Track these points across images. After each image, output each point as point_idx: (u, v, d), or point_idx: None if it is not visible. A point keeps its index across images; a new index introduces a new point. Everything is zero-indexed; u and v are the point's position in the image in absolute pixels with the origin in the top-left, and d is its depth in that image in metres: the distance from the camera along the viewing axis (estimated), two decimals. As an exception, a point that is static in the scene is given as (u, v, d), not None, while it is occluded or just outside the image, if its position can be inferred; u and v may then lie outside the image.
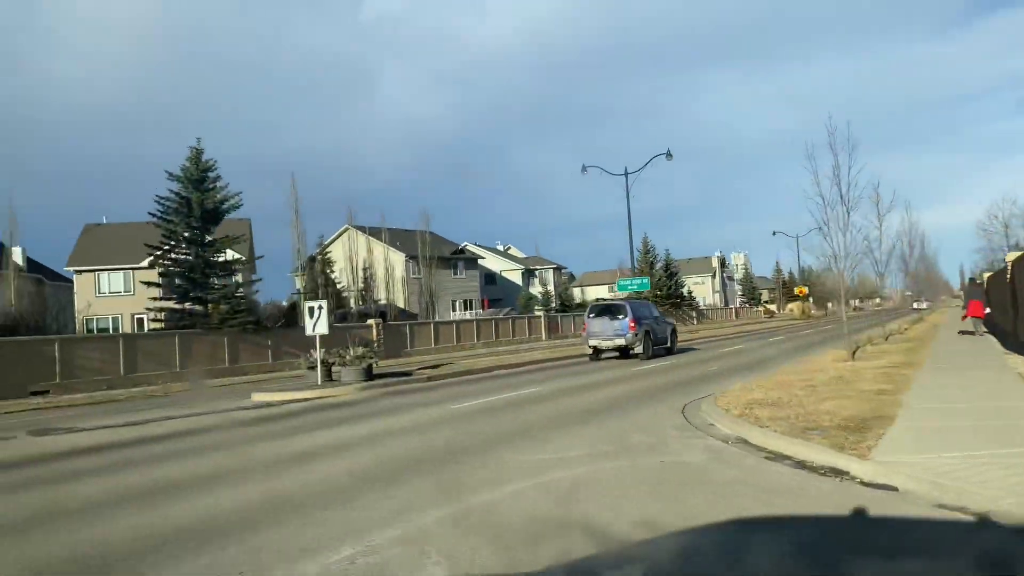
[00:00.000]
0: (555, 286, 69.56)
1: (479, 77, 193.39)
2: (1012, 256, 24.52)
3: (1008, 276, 23.69)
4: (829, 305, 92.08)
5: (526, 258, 77.20)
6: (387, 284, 48.85)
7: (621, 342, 23.39)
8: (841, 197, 17.24)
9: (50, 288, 48.68)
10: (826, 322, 63.94)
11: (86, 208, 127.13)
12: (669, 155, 34.55)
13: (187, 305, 30.90)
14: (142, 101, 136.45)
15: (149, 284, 32.08)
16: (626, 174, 34.70)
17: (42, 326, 34.63)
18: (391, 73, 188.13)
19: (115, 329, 42.78)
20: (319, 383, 18.07)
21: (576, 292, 75.88)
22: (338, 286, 47.66)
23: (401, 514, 6.01)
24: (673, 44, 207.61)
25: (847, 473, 6.71)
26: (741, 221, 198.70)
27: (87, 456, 10.23)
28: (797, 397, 11.31)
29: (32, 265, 49.54)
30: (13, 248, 42.29)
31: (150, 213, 31.02)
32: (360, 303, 46.63)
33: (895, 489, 6.08)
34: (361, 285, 47.67)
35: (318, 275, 44.84)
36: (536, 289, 68.74)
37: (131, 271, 44.85)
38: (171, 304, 30.95)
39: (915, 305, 63.40)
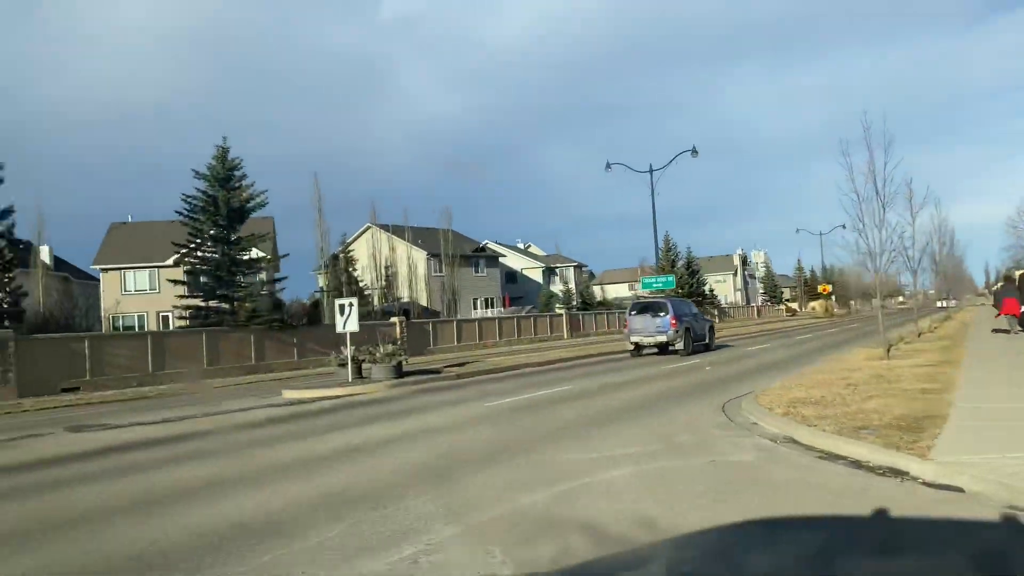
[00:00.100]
0: (576, 284, 69.34)
1: (498, 75, 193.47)
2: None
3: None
4: (852, 303, 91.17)
5: (546, 256, 77.05)
6: (410, 282, 48.89)
7: (662, 338, 24.18)
8: (877, 193, 17.02)
9: (76, 286, 49.26)
10: (850, 320, 63.34)
11: (111, 207, 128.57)
12: (695, 152, 34.31)
13: (213, 303, 31.09)
14: (166, 101, 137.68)
15: (175, 282, 32.27)
16: (651, 171, 34.50)
17: (71, 324, 35.02)
18: (410, 72, 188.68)
19: (140, 327, 43.14)
20: (349, 380, 18.08)
21: (596, 290, 75.57)
22: (360, 284, 47.76)
23: (457, 512, 5.95)
24: (692, 41, 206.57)
25: (907, 473, 6.56)
26: (762, 219, 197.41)
27: (130, 452, 10.24)
28: (840, 396, 11.14)
29: (59, 263, 50.16)
30: (41, 247, 42.80)
31: (177, 211, 31.26)
32: (383, 301, 46.71)
33: (961, 490, 5.92)
34: (383, 283, 47.74)
35: (341, 273, 44.97)
36: (557, 287, 68.56)
37: (156, 269, 45.21)
38: (198, 302, 31.13)
39: (940, 304, 62.63)
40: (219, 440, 11.06)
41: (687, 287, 65.45)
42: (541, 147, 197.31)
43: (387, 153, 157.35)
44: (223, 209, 30.55)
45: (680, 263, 68.07)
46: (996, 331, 26.30)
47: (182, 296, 31.82)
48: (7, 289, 25.78)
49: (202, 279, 31.77)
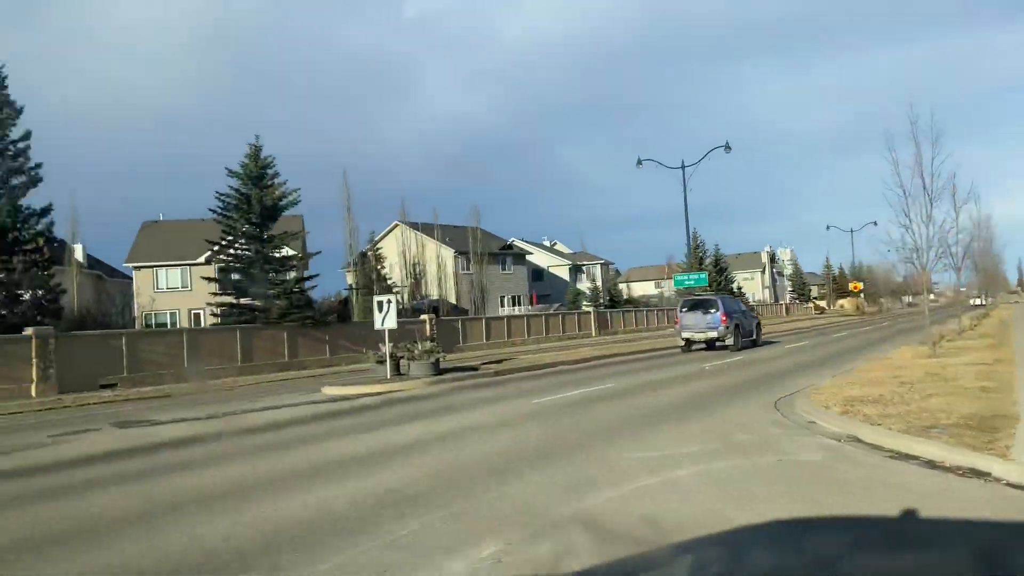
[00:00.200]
0: (603, 281, 69.01)
1: (521, 73, 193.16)
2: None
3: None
4: (882, 301, 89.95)
5: (573, 253, 76.77)
6: (440, 280, 48.91)
7: (713, 334, 24.82)
8: (924, 188, 16.68)
9: (108, 284, 49.92)
10: (881, 318, 62.49)
11: (141, 206, 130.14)
12: (728, 147, 33.93)
13: (245, 300, 31.28)
14: (193, 102, 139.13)
15: (209, 280, 32.53)
16: (683, 167, 34.15)
17: (108, 322, 35.45)
18: (435, 71, 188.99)
19: (173, 324, 43.59)
20: (388, 377, 18.05)
21: (621, 288, 75.17)
22: (388, 282, 47.88)
23: (529, 511, 5.83)
24: (717, 37, 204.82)
25: (988, 474, 6.34)
26: (787, 216, 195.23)
27: (183, 448, 10.24)
28: (898, 394, 10.89)
29: (91, 262, 50.83)
30: (75, 245, 43.39)
31: (211, 209, 31.47)
32: (412, 299, 46.78)
33: (1050, 492, 5.71)
34: (412, 281, 47.82)
35: (370, 271, 45.13)
36: (583, 285, 68.27)
37: (188, 267, 45.65)
38: (231, 299, 31.34)
39: (973, 301, 61.58)
40: (270, 437, 11.04)
41: (715, 284, 64.91)
42: (564, 144, 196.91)
43: (412, 152, 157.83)
44: (256, 207, 30.71)
45: (708, 260, 67.58)
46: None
47: (215, 293, 32.06)
48: (47, 287, 26.07)
49: (235, 276, 31.98)
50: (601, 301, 60.49)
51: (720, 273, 68.83)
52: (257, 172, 30.98)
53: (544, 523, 5.48)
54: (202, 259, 44.82)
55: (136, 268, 46.66)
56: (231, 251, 31.89)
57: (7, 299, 25.33)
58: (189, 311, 44.68)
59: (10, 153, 25.63)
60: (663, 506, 5.84)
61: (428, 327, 36.17)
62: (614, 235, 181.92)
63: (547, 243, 77.75)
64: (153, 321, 43.69)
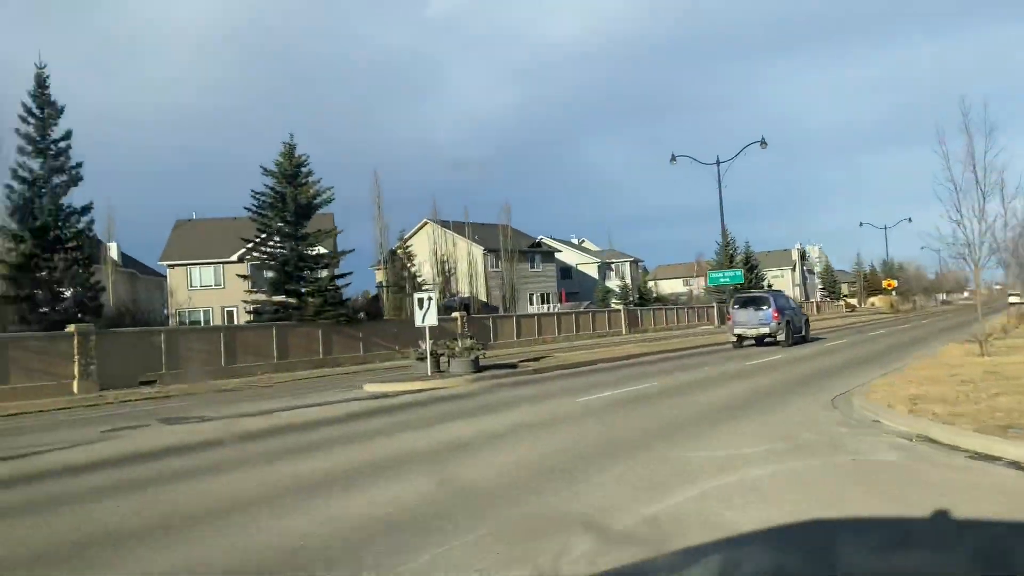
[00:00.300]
0: (632, 279, 68.61)
1: (547, 70, 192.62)
2: None
3: None
4: (916, 299, 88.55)
5: (601, 251, 76.37)
6: (471, 277, 48.90)
7: (765, 330, 25.28)
8: (976, 182, 16.26)
9: (142, 282, 50.54)
10: (917, 316, 61.47)
11: (172, 204, 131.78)
12: (763, 143, 33.52)
13: (280, 298, 31.46)
14: (223, 102, 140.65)
15: (244, 277, 32.76)
16: (718, 163, 33.80)
17: (148, 319, 35.85)
18: (460, 69, 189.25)
19: (206, 321, 44.02)
20: (428, 374, 17.99)
21: (650, 286, 74.69)
22: (418, 279, 47.96)
23: (609, 512, 5.68)
24: (746, 33, 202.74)
25: (1083, 476, 6.10)
26: (816, 213, 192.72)
27: (239, 444, 10.23)
28: (962, 393, 10.59)
29: (125, 260, 51.49)
30: (109, 244, 43.99)
31: (246, 208, 31.68)
32: (442, 296, 46.79)
33: None
34: (442, 278, 47.85)
35: (400, 269, 45.21)
36: (612, 283, 67.92)
37: (221, 265, 46.07)
38: (267, 297, 31.53)
39: (1011, 299, 60.34)
40: (325, 433, 11.00)
41: (746, 283, 64.31)
42: (591, 142, 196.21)
43: (439, 150, 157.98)
44: (291, 205, 30.86)
45: (738, 258, 66.88)
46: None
47: (250, 291, 32.28)
48: (87, 284, 26.38)
49: (269, 274, 32.19)
50: (631, 299, 60.14)
51: (751, 271, 68.07)
52: (292, 170, 31.14)
53: (628, 523, 5.33)
54: (235, 257, 45.20)
55: (170, 266, 47.18)
56: (266, 249, 32.10)
57: (49, 297, 25.68)
58: (222, 308, 45.10)
59: (51, 152, 25.95)
60: (746, 507, 5.67)
61: (460, 324, 36.13)
62: (641, 233, 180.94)
63: (575, 241, 77.47)
64: (187, 318, 44.15)
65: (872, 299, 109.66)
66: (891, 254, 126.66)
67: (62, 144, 26.15)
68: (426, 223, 54.93)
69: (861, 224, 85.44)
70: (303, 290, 31.27)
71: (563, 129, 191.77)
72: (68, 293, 26.10)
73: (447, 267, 49.19)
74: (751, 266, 69.23)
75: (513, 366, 20.24)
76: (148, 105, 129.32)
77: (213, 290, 46.05)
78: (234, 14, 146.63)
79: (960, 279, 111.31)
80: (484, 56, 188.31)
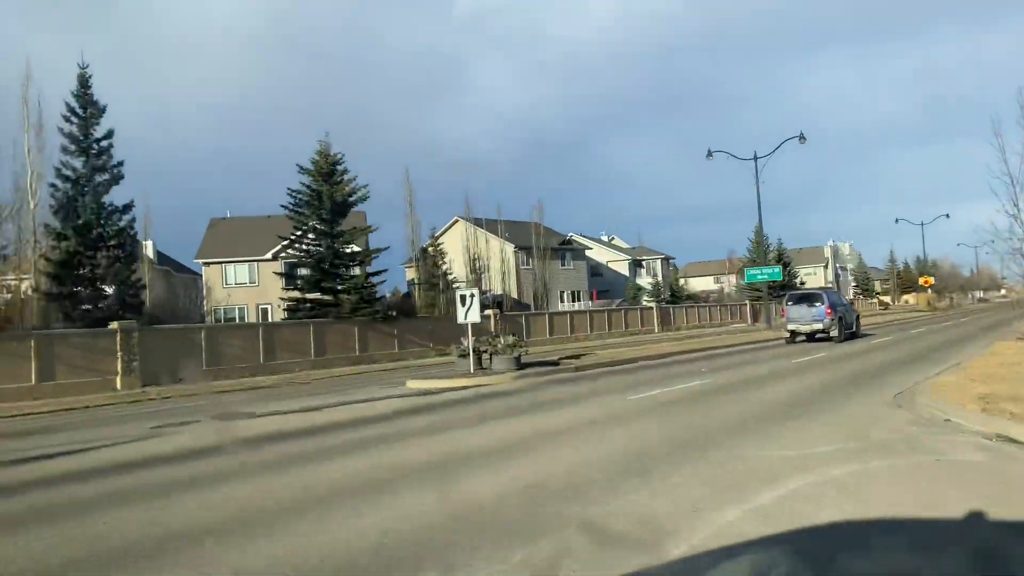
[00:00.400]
0: (664, 277, 68.05)
1: (575, 67, 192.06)
2: None
3: None
4: (952, 297, 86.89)
5: (631, 248, 75.86)
6: (503, 275, 48.80)
7: (819, 326, 25.92)
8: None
9: (177, 280, 51.08)
10: (955, 314, 60.27)
11: (202, 203, 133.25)
12: (802, 138, 32.98)
13: (316, 295, 31.58)
14: (256, 101, 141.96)
15: (282, 275, 32.96)
16: (755, 158, 33.29)
17: (182, 316, 36.20)
18: (489, 67, 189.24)
19: (241, 318, 44.36)
20: (471, 371, 17.89)
21: (681, 283, 74.04)
22: (449, 277, 47.94)
23: (698, 512, 5.49)
24: (771, 29, 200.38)
25: None
26: (848, 209, 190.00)
27: (298, 440, 10.14)
28: (1035, 391, 10.24)
29: (160, 258, 52.08)
30: (146, 242, 44.47)
31: (282, 206, 31.87)
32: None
33: None
34: (475, 276, 47.78)
35: (431, 266, 45.20)
36: (643, 280, 67.45)
37: (255, 263, 46.41)
38: (304, 294, 31.66)
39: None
40: (374, 429, 10.91)
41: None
42: (620, 138, 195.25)
43: (468, 147, 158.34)
44: (327, 203, 30.96)
45: (771, 255, 66.06)
46: None
47: (287, 288, 32.45)
48: (128, 282, 26.66)
49: (305, 272, 32.34)
50: (663, 296, 59.64)
51: (783, 268, 67.27)
52: (328, 168, 31.24)
53: (720, 527, 5.14)
54: (269, 255, 45.52)
55: (205, 264, 47.63)
56: (302, 246, 32.23)
57: (92, 294, 25.98)
58: (257, 306, 45.45)
59: (94, 151, 26.25)
60: (841, 506, 5.46)
61: (493, 322, 36.02)
62: (670, 230, 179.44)
63: (604, 238, 77.07)
64: (222, 316, 44.53)
65: (906, 296, 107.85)
66: (924, 251, 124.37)
67: (104, 143, 26.46)
68: (457, 221, 54.91)
69: (897, 220, 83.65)
70: (339, 287, 31.38)
71: (592, 125, 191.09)
72: (110, 290, 26.41)
73: (478, 264, 49.11)
74: (784, 263, 68.35)
75: (555, 363, 20.06)
76: (183, 107, 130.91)
77: (248, 288, 46.42)
78: (265, 13, 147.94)
79: (996, 277, 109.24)
80: (514, 54, 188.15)
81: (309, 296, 31.67)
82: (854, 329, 28.52)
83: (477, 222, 49.99)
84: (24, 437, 12.58)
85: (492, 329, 34.64)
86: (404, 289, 52.22)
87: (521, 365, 18.42)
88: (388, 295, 43.19)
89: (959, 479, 6.21)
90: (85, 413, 17.16)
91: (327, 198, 30.89)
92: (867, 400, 11.26)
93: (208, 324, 31.58)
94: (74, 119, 26.15)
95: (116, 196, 26.89)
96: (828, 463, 6.99)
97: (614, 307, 50.72)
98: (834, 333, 25.78)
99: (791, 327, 26.75)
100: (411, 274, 50.99)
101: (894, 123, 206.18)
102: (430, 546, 4.98)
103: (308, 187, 31.23)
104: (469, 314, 18.00)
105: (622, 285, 66.39)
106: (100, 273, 25.88)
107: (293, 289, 32.18)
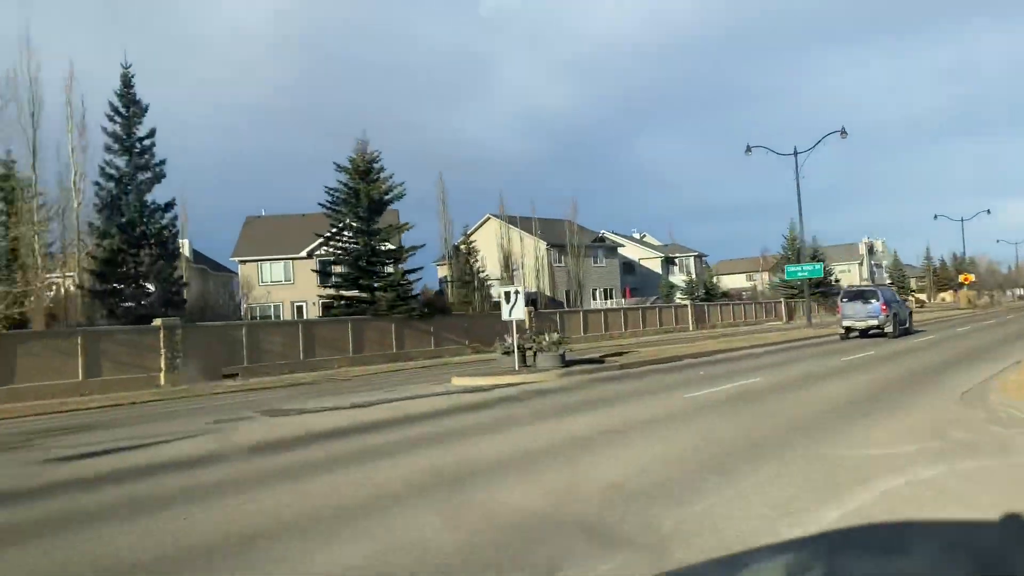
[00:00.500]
0: (697, 274, 67.44)
1: (603, 64, 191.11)
2: None
3: None
4: (992, 294, 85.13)
5: (663, 246, 75.27)
6: (537, 272, 48.66)
7: (874, 322, 26.35)
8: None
9: (213, 278, 51.60)
10: (996, 311, 58.97)
11: (238, 202, 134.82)
12: (843, 132, 32.40)
13: (353, 292, 31.70)
14: (285, 102, 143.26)
15: (320, 273, 33.17)
16: (795, 153, 32.78)
17: (221, 314, 36.55)
18: (516, 65, 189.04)
19: (276, 316, 44.68)
20: (516, 368, 17.76)
21: (714, 280, 73.28)
22: (482, 274, 47.92)
23: (794, 514, 5.30)
24: (805, 23, 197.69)
25: None
26: (881, 205, 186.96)
27: (354, 437, 10.07)
28: (1117, 391, 9.88)
29: (196, 256, 52.67)
30: (182, 240, 45.00)
31: (320, 204, 32.04)
32: (506, 291, 46.66)
33: None
34: (509, 273, 47.71)
35: (463, 264, 45.21)
36: (676, 278, 66.88)
37: (290, 261, 46.74)
38: (341, 291, 31.79)
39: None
40: (439, 425, 10.81)
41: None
42: (650, 135, 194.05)
43: (499, 145, 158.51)
44: (364, 201, 31.06)
45: (806, 251, 65.12)
46: None
47: (325, 286, 32.61)
48: (171, 279, 26.93)
49: (341, 269, 32.49)
50: (697, 294, 59.10)
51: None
52: (365, 166, 31.32)
53: (822, 525, 4.94)
54: (304, 253, 45.80)
55: (241, 262, 48.07)
56: (339, 244, 32.37)
57: (135, 291, 26.29)
58: (291, 303, 45.78)
59: (137, 150, 26.55)
60: (943, 508, 5.26)
61: (528, 320, 35.88)
62: (701, 227, 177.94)
63: (636, 235, 76.53)
64: (258, 313, 44.91)
65: (942, 294, 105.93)
66: (959, 248, 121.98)
67: (146, 142, 26.76)
68: (489, 218, 54.85)
69: (936, 216, 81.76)
70: (375, 285, 31.47)
71: (622, 122, 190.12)
72: (152, 288, 26.71)
73: (510, 262, 49.02)
74: (819, 260, 67.41)
75: (599, 361, 19.87)
76: (213, 105, 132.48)
77: (283, 285, 46.76)
78: (296, 13, 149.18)
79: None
80: (540, 51, 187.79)
81: (346, 293, 31.81)
82: (907, 325, 28.87)
83: (512, 221, 49.87)
84: (84, 432, 12.69)
85: (527, 326, 34.55)
86: (435, 287, 52.28)
87: (566, 362, 18.26)
88: (429, 292, 43.21)
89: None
90: (134, 409, 17.29)
91: (364, 196, 30.98)
92: (934, 398, 10.95)
93: (249, 321, 31.80)
94: (117, 118, 26.49)
95: (157, 194, 27.22)
96: (915, 464, 6.74)
97: (648, 305, 50.38)
98: (889, 329, 26.17)
99: (846, 323, 27.15)
100: (442, 272, 51.05)
101: (926, 118, 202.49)
102: (525, 545, 4.85)
103: (345, 185, 31.34)
104: (514, 311, 17.87)
105: (654, 283, 65.90)
106: (143, 270, 26.19)
107: (329, 286, 32.34)
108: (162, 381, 23.27)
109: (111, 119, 26.40)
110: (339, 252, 32.35)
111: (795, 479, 6.38)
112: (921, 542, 3.08)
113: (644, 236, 78.99)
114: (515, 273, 47.98)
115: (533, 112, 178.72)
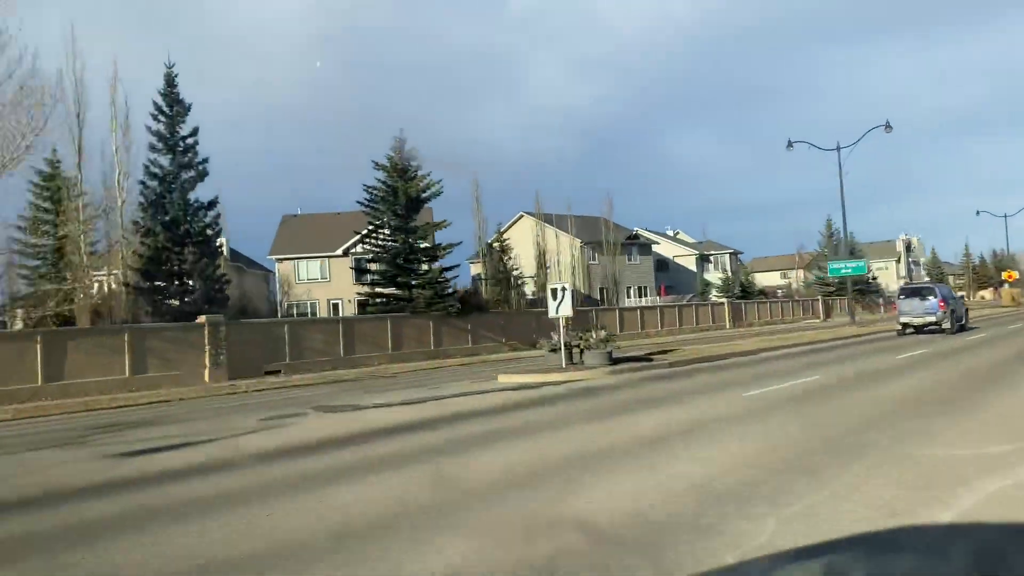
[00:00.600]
0: (733, 271, 66.68)
1: (631, 61, 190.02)
2: None
3: None
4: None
5: (697, 243, 74.54)
6: (573, 269, 48.42)
7: (932, 319, 26.71)
8: None
9: (249, 275, 52.07)
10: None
11: (270, 202, 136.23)
12: (888, 127, 31.76)
13: (391, 290, 31.74)
14: (316, 102, 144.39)
15: (360, 271, 33.27)
16: (838, 148, 32.20)
17: (261, 311, 36.83)
18: (545, 63, 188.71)
19: (312, 313, 44.94)
20: (563, 366, 17.59)
21: (750, 278, 72.41)
22: (515, 272, 47.76)
23: (897, 516, 5.06)
24: (839, 17, 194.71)
25: None
26: (917, 202, 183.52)
27: (413, 433, 9.99)
28: None
29: (233, 254, 53.18)
30: (221, 239, 45.45)
31: (358, 202, 32.14)
32: (541, 289, 46.45)
33: None
34: (544, 271, 47.52)
35: (497, 261, 45.11)
36: (712, 275, 66.20)
37: (326, 259, 47.00)
38: (378, 289, 31.85)
39: None
40: (498, 422, 10.73)
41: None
42: (682, 132, 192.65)
43: (531, 144, 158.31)
44: (401, 198, 31.07)
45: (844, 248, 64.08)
46: None
47: (364, 283, 32.70)
48: (214, 277, 27.14)
49: (378, 266, 32.55)
50: (733, 292, 58.43)
51: (856, 262, 65.20)
52: (403, 164, 31.33)
53: (938, 531, 4.70)
54: (340, 251, 46.03)
55: (278, 260, 48.43)
56: (376, 242, 32.42)
57: (178, 288, 26.54)
58: (328, 300, 46.04)
59: (180, 149, 26.78)
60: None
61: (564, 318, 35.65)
62: (733, 224, 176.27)
63: (670, 232, 75.81)
64: (294, 311, 45.22)
65: (981, 292, 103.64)
66: (1000, 244, 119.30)
67: (189, 141, 26.98)
68: (522, 216, 54.69)
69: (979, 213, 79.29)
70: (413, 282, 31.48)
71: (653, 119, 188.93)
72: (194, 285, 26.94)
73: (544, 259, 48.82)
74: (859, 257, 66.32)
75: (647, 359, 19.61)
76: (248, 105, 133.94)
77: (319, 283, 47.04)
78: (329, 17, 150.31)
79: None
80: (571, 48, 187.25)
81: (383, 290, 31.86)
82: (963, 322, 29.19)
83: (547, 220, 49.66)
84: (138, 428, 12.76)
85: (564, 325, 34.32)
86: (469, 285, 52.23)
87: (613, 360, 18.04)
88: (464, 289, 43.17)
89: None
90: (183, 405, 17.41)
91: (402, 193, 30.99)
92: (1011, 396, 10.58)
93: (290, 319, 32.00)
94: (161, 118, 26.73)
95: (200, 193, 27.44)
96: (1012, 465, 6.45)
97: (684, 302, 49.89)
98: (946, 326, 26.45)
99: (903, 320, 27.53)
100: (475, 269, 50.95)
101: (962, 113, 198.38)
102: (619, 544, 4.68)
103: (383, 183, 31.39)
104: (561, 307, 17.71)
105: (688, 280, 65.28)
106: (186, 268, 26.42)
107: (366, 284, 32.42)
108: (206, 378, 23.45)
109: (155, 118, 26.68)
110: (377, 250, 32.41)
111: (889, 479, 6.13)
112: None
113: (678, 233, 78.27)
114: (549, 271, 47.77)
115: (566, 110, 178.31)
